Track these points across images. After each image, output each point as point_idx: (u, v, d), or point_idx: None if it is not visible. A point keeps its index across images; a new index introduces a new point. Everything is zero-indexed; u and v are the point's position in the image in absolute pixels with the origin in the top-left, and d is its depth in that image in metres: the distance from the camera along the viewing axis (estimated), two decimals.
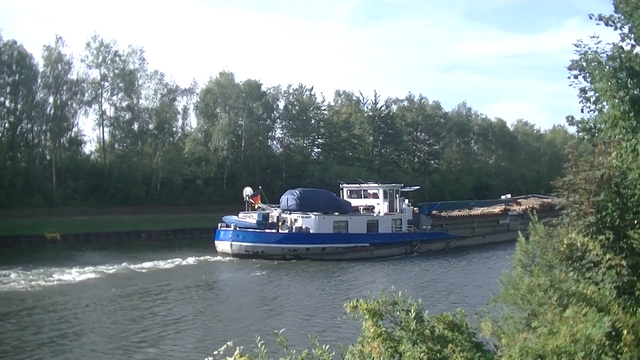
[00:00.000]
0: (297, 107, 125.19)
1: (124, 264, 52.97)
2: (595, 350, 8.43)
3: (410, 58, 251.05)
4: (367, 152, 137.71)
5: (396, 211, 73.20)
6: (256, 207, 66.67)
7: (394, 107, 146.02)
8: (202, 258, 59.49)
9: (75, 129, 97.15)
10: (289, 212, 65.32)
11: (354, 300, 8.99)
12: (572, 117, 16.98)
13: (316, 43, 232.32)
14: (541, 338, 9.14)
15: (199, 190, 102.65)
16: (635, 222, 12.92)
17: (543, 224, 14.98)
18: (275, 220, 64.13)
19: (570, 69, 15.66)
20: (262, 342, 8.16)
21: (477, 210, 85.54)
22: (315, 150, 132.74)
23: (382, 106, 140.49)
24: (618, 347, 8.66)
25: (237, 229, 62.37)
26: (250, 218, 64.47)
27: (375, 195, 75.01)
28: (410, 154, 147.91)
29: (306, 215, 63.99)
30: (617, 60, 14.76)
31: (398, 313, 9.03)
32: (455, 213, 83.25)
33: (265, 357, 8.12)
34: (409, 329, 8.77)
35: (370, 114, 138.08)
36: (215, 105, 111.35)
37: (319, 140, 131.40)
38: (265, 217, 64.08)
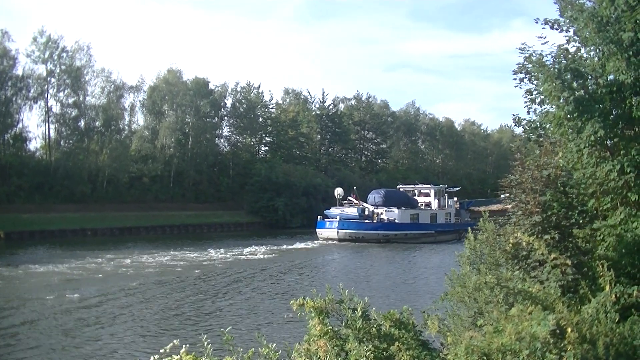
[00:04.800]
0: (244, 105, 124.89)
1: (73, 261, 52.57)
2: (539, 348, 8.50)
3: (356, 57, 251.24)
4: (314, 150, 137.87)
5: (445, 207, 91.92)
6: (346, 202, 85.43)
7: (342, 106, 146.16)
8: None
9: (19, 126, 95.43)
10: (375, 207, 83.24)
11: (300, 298, 9.00)
12: (519, 117, 17.26)
13: (263, 41, 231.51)
14: (486, 336, 9.19)
15: (146, 188, 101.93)
16: (580, 221, 13.18)
17: (492, 221, 15.21)
18: (369, 213, 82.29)
19: (515, 72, 15.91)
20: (208, 341, 8.18)
21: (495, 207, 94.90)
22: (263, 148, 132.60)
23: (330, 105, 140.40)
24: (562, 344, 8.74)
25: (342, 219, 79.79)
26: (350, 211, 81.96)
27: (427, 195, 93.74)
28: (357, 153, 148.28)
29: (390, 210, 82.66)
30: (562, 61, 15.02)
31: (344, 311, 9.03)
32: (482, 208, 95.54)
33: (211, 356, 8.13)
34: (355, 327, 8.74)
35: (318, 112, 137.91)
36: (162, 103, 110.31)
37: (266, 138, 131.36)
38: (363, 210, 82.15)
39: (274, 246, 70.00)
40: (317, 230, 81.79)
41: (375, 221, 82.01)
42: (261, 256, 61.24)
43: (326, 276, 49.23)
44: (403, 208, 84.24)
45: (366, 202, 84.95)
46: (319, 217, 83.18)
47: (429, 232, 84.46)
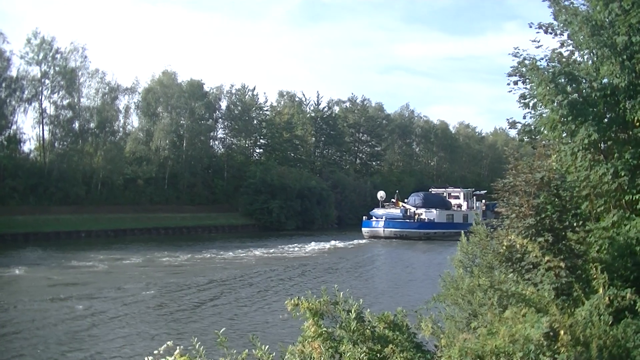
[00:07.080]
0: (239, 108, 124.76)
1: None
2: (533, 350, 8.51)
3: (350, 59, 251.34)
4: (309, 153, 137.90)
5: (473, 208, 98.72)
6: (388, 204, 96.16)
7: (336, 108, 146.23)
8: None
9: (14, 127, 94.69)
10: (416, 208, 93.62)
11: (295, 298, 8.95)
12: (514, 121, 17.30)
13: (256, 43, 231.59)
14: (480, 338, 9.19)
15: (140, 190, 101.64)
16: (574, 223, 13.21)
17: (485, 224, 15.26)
18: (411, 213, 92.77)
19: (509, 75, 15.95)
20: (199, 343, 8.16)
21: None
22: (257, 150, 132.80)
23: (325, 107, 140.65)
24: (555, 347, 8.75)
25: (387, 219, 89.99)
26: (394, 212, 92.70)
27: (457, 197, 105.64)
28: (352, 155, 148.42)
29: (429, 211, 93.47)
30: (556, 65, 15.06)
31: (339, 313, 9.00)
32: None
33: (204, 358, 8.10)
34: (350, 329, 8.70)
35: (312, 114, 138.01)
36: (157, 105, 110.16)
37: (261, 140, 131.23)
38: (406, 211, 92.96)
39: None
40: (363, 228, 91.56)
41: (416, 221, 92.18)
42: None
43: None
44: (439, 209, 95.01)
45: (406, 204, 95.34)
46: (364, 217, 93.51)
47: (462, 230, 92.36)
